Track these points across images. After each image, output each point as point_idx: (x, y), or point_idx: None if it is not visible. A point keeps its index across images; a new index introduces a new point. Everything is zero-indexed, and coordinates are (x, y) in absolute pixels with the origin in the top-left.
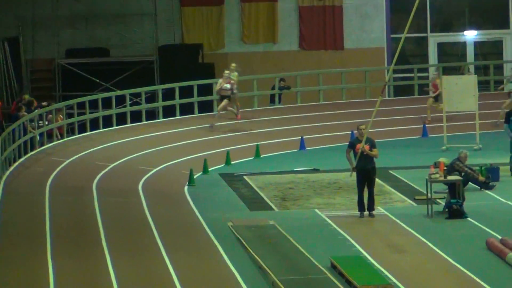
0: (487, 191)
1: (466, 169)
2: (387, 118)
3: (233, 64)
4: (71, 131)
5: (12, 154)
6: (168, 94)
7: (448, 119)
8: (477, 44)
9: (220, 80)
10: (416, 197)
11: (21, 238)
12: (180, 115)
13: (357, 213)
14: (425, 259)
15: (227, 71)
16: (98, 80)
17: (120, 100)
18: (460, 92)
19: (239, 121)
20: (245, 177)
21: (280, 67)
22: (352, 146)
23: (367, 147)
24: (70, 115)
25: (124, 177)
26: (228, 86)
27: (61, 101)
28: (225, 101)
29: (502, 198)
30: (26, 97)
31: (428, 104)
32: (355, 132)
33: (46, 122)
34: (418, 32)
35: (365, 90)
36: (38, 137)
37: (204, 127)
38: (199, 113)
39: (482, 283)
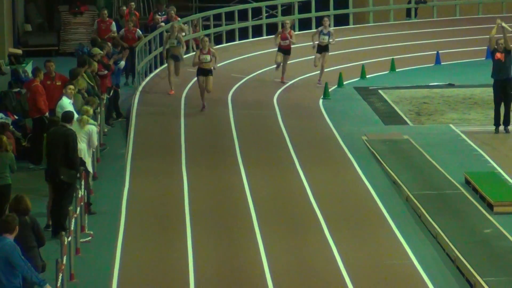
0: None
1: None
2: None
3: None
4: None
5: (148, 64)
6: (304, 6)
7: None
8: None
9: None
10: None
11: (157, 148)
12: (316, 27)
13: (493, 128)
14: None
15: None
16: None
17: (256, 12)
18: None
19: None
20: (380, 91)
21: None
22: (492, 53)
23: (501, 55)
24: (206, 27)
25: (259, 89)
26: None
27: (197, 13)
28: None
29: None
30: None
31: None
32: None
33: (184, 34)
34: None
35: (501, 5)
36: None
37: (342, 40)
38: (335, 26)
39: None
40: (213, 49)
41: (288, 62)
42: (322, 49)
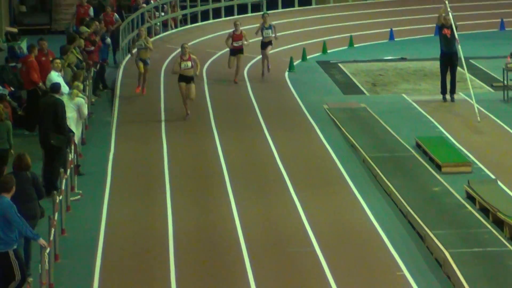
0: None
1: None
2: (468, 12)
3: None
4: (184, 22)
5: (131, 41)
6: None
7: None
8: None
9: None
10: (494, 84)
11: (139, 116)
12: (282, 8)
13: (440, 97)
14: (500, 140)
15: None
16: None
17: None
18: None
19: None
20: (339, 64)
21: None
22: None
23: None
24: (183, 7)
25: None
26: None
27: None
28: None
29: None
30: None
31: None
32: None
33: (162, 14)
34: None
35: None
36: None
37: (306, 19)
38: (299, 6)
39: None
40: (193, 56)
41: (257, 39)
42: (267, 44)
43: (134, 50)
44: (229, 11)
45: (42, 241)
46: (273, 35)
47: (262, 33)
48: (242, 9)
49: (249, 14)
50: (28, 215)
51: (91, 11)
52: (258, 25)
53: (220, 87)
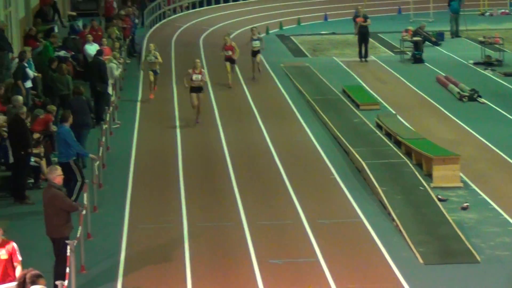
0: (436, 47)
1: (424, 33)
2: (379, 1)
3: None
4: (186, 9)
5: (152, 21)
6: None
7: (414, 3)
8: None
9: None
10: (394, 50)
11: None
12: None
13: (358, 59)
14: (399, 88)
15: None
16: None
17: None
18: None
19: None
20: (291, 37)
21: None
22: (354, 19)
23: (362, 19)
24: None
25: (218, 36)
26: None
27: None
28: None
29: (446, 51)
30: None
31: None
32: (357, 10)
33: (173, 3)
34: None
35: None
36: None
37: (269, 6)
38: None
39: (432, 101)
40: (203, 70)
41: (236, 19)
42: (256, 52)
43: (144, 60)
44: (217, 1)
45: (92, 156)
46: (261, 46)
47: (252, 44)
48: None
49: (231, 3)
50: (84, 123)
51: (115, 4)
52: (234, 11)
53: (211, 51)
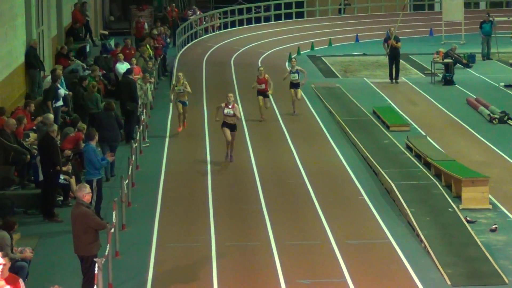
0: (467, 69)
1: (455, 55)
2: (408, 24)
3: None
4: (217, 29)
5: (183, 41)
6: (275, 6)
7: (445, 25)
8: None
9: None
10: (425, 72)
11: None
12: (285, 19)
13: (389, 80)
14: (430, 109)
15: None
16: None
17: (248, 9)
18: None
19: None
20: (322, 57)
21: None
22: (386, 40)
23: (394, 42)
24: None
25: (249, 56)
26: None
27: (213, 10)
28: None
29: (477, 73)
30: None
31: None
32: (389, 31)
33: (204, 22)
34: None
35: (396, 7)
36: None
37: (300, 27)
38: (296, 18)
39: (462, 122)
40: (236, 105)
41: (267, 39)
42: (294, 85)
43: (173, 93)
44: (249, 21)
45: (108, 156)
46: (299, 79)
47: (290, 77)
48: (257, 20)
49: (262, 24)
50: (112, 138)
51: (146, 25)
52: (265, 31)
53: (242, 70)
